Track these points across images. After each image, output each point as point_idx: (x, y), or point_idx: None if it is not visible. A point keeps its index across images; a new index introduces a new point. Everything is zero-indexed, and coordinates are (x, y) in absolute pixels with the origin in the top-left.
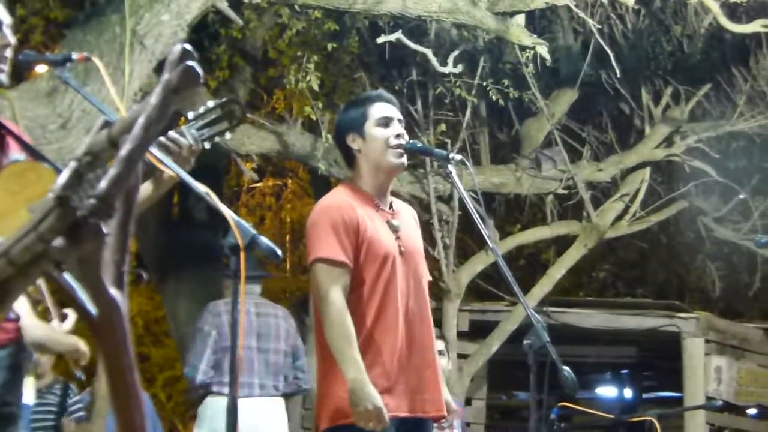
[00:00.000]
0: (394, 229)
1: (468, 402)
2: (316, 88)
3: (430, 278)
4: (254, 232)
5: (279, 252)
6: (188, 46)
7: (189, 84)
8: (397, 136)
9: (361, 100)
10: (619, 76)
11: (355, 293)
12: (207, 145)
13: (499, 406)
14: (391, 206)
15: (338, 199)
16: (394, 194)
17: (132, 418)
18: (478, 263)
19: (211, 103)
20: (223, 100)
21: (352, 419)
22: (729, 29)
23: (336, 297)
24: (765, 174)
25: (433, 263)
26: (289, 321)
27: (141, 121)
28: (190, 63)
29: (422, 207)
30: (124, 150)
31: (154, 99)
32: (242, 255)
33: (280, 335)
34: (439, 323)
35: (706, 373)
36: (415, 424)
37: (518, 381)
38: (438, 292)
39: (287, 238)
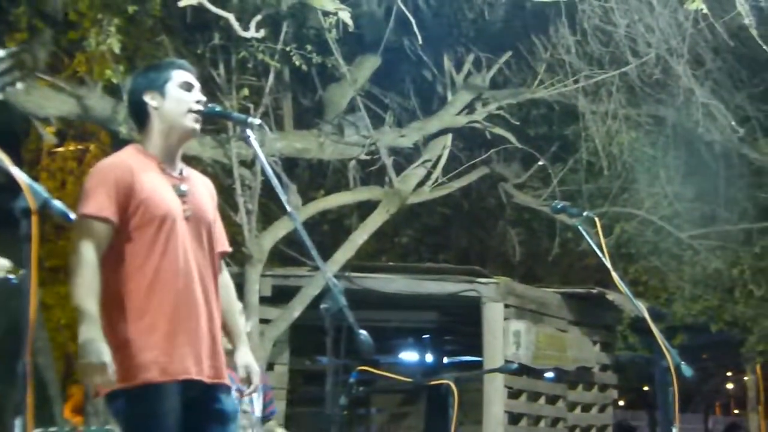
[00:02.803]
0: (181, 194)
1: (270, 367)
2: (117, 51)
3: (229, 249)
4: (46, 195)
5: (72, 215)
6: None
7: None
8: (198, 102)
9: (163, 64)
10: (421, 43)
11: (131, 254)
12: None
13: (301, 371)
14: (181, 173)
15: (116, 159)
16: (194, 161)
17: None
18: (280, 228)
19: (1, 53)
20: (14, 49)
21: (125, 382)
22: None
23: (86, 252)
24: (564, 141)
25: (236, 228)
26: None
27: None
28: None
29: (225, 172)
30: None
31: None
32: (34, 218)
33: None
34: (241, 288)
35: (505, 337)
36: (205, 389)
37: (321, 346)
38: (240, 257)
39: None
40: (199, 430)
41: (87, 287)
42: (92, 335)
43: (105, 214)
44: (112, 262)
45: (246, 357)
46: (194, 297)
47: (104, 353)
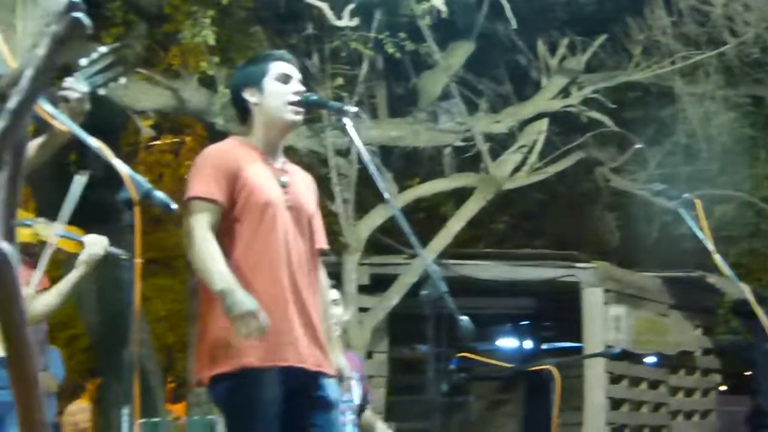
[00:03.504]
0: (282, 184)
1: (369, 355)
2: (211, 43)
3: (327, 246)
4: (148, 185)
5: (173, 205)
6: None
7: (76, 35)
8: (296, 93)
9: (262, 57)
10: (515, 27)
11: (234, 239)
12: (102, 91)
13: (401, 359)
14: (283, 165)
15: (221, 146)
16: (289, 151)
17: (24, 370)
18: (376, 217)
19: (103, 49)
20: (116, 45)
21: (226, 367)
22: None
23: (202, 229)
24: (661, 123)
25: (333, 218)
26: None
27: (28, 73)
28: (78, 14)
29: (320, 161)
30: (11, 103)
31: (41, 51)
32: (136, 209)
33: None
34: (338, 277)
35: (605, 322)
36: (309, 377)
37: (420, 334)
38: (338, 246)
39: None
40: (304, 417)
41: (211, 254)
42: (230, 289)
43: (214, 196)
44: None
45: (339, 360)
46: (296, 284)
47: (248, 303)
